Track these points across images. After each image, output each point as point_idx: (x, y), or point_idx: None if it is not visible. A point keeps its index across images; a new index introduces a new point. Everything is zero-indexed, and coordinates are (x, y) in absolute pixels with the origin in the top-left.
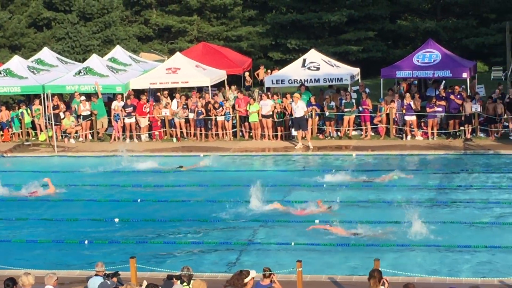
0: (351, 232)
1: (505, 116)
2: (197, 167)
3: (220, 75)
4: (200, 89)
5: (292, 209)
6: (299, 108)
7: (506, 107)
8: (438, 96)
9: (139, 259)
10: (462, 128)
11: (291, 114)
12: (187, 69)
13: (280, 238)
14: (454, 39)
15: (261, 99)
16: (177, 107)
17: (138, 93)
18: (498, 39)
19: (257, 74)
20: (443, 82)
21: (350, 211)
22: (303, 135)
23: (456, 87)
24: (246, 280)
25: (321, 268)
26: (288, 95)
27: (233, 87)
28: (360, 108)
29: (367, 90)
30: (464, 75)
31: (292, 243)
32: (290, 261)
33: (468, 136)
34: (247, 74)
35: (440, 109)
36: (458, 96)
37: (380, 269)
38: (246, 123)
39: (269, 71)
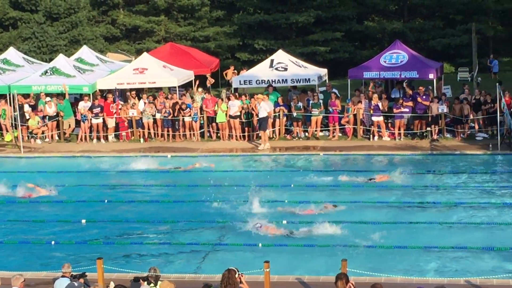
0: (280, 232)
1: (471, 117)
2: (194, 168)
3: (188, 75)
4: (174, 89)
5: (298, 209)
6: (262, 109)
7: (473, 108)
8: (405, 97)
9: (106, 260)
10: (428, 128)
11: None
12: (154, 70)
13: (247, 239)
14: (421, 40)
15: (229, 99)
16: (143, 107)
17: (105, 93)
18: (464, 40)
19: (225, 74)
20: (405, 80)
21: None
22: (262, 136)
23: (421, 87)
24: (236, 276)
25: (289, 269)
26: (256, 96)
27: (200, 89)
28: (330, 109)
29: (335, 90)
30: (431, 76)
31: (260, 244)
32: (258, 261)
33: (435, 136)
34: (208, 75)
35: (407, 110)
36: (424, 97)
37: (347, 269)
38: (214, 124)
39: (235, 71)
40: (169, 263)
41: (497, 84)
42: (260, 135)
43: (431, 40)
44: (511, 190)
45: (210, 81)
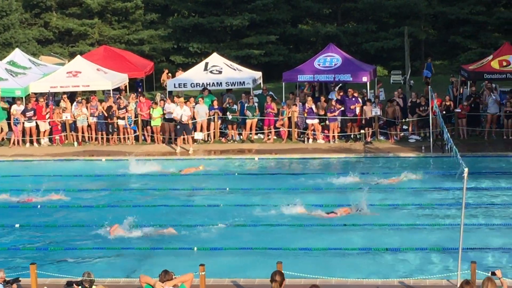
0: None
1: (406, 120)
2: (196, 171)
3: (122, 78)
4: (108, 92)
5: (320, 212)
6: (185, 112)
7: (409, 111)
8: (338, 100)
9: (39, 265)
10: (362, 131)
11: (193, 118)
12: (88, 73)
13: (182, 243)
14: (354, 43)
15: (164, 103)
16: (74, 109)
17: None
18: (397, 44)
19: (163, 80)
20: (339, 85)
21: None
22: (186, 140)
23: (350, 90)
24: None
25: (224, 272)
26: (191, 99)
27: (133, 95)
28: (267, 110)
29: (271, 93)
30: (364, 79)
31: (195, 248)
32: (193, 265)
33: (369, 139)
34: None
35: (340, 112)
36: (353, 99)
37: (282, 271)
38: (148, 127)
39: (170, 74)
40: (103, 267)
41: (429, 86)
42: (196, 137)
43: (364, 43)
44: (442, 192)
45: (168, 76)
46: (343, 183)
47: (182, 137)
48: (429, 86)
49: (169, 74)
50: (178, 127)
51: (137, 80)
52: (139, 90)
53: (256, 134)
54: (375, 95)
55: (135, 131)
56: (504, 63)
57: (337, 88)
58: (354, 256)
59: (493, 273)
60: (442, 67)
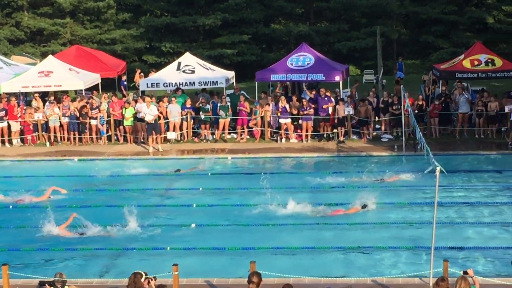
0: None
1: (377, 119)
2: (195, 171)
3: (94, 78)
4: (80, 92)
5: (327, 209)
6: (152, 111)
7: (381, 110)
8: (311, 99)
9: (11, 266)
10: (335, 130)
11: (166, 118)
12: (60, 73)
13: (156, 242)
14: (327, 43)
15: (136, 102)
16: (47, 110)
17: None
18: (369, 43)
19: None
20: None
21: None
22: (155, 139)
23: (322, 89)
24: (142, 280)
25: (197, 272)
26: (165, 98)
27: (105, 95)
28: (240, 108)
29: (244, 92)
30: (337, 78)
31: (168, 248)
32: (166, 265)
33: (341, 138)
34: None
35: (312, 111)
36: (326, 99)
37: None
38: (121, 127)
39: (142, 74)
40: (76, 268)
41: (401, 86)
42: (169, 137)
43: (336, 42)
44: (415, 190)
45: (141, 76)
46: (318, 182)
47: (152, 136)
48: (401, 86)
49: (142, 74)
50: (147, 126)
51: (122, 80)
52: (123, 89)
53: (229, 133)
54: (352, 95)
55: (107, 131)
56: (476, 62)
57: (306, 88)
58: (328, 254)
59: (465, 272)
60: (414, 67)
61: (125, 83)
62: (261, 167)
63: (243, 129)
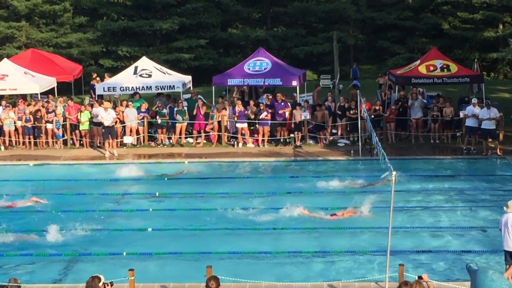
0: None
1: (335, 124)
2: (180, 175)
3: (50, 82)
4: (36, 96)
5: (323, 215)
6: (109, 115)
7: (339, 115)
8: (268, 104)
9: None
10: (292, 135)
11: (122, 122)
12: (15, 76)
13: (112, 247)
14: (284, 47)
15: (92, 107)
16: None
17: None
18: (326, 48)
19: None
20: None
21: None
22: (111, 144)
23: (279, 94)
24: (100, 284)
25: (154, 277)
26: (123, 102)
27: (61, 99)
28: (198, 112)
29: (201, 97)
30: (294, 83)
31: (124, 253)
32: (122, 270)
33: (298, 143)
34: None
35: (268, 116)
36: (283, 103)
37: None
38: (77, 131)
39: (98, 78)
40: (31, 273)
41: (358, 91)
42: (125, 141)
43: (293, 47)
44: (371, 195)
45: (97, 80)
46: (275, 186)
47: (108, 140)
48: (358, 91)
49: (98, 78)
50: (103, 131)
51: (91, 84)
52: (92, 93)
53: (186, 138)
54: (314, 99)
55: (63, 135)
56: (431, 68)
57: (262, 93)
58: (284, 259)
59: (420, 277)
60: (371, 72)
61: (95, 86)
62: (218, 172)
63: (200, 133)
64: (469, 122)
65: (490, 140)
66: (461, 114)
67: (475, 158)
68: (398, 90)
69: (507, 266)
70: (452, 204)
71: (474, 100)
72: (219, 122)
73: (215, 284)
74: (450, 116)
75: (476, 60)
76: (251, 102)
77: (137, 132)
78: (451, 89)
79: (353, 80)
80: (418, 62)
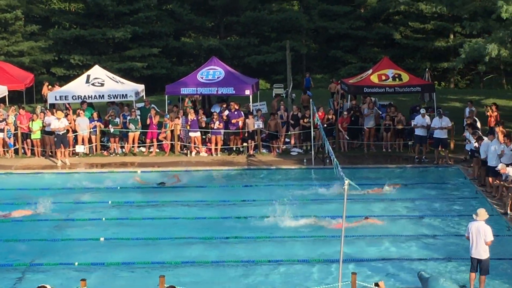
0: None
1: (289, 132)
2: (177, 184)
3: (1, 90)
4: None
5: (326, 222)
6: (62, 124)
7: (292, 124)
8: (220, 113)
9: None
10: (245, 144)
11: (74, 131)
12: None
13: (63, 258)
14: (237, 56)
15: (44, 115)
16: None
17: None
18: (278, 57)
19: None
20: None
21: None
22: (63, 153)
23: (232, 103)
24: None
25: (106, 287)
26: (78, 111)
27: (12, 107)
28: (151, 121)
29: (154, 106)
30: (247, 92)
31: (76, 263)
32: (74, 280)
33: (251, 152)
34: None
35: (222, 125)
36: (236, 113)
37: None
38: (29, 140)
39: (50, 86)
40: None
41: (311, 100)
42: (78, 150)
43: (246, 56)
44: (323, 203)
45: (49, 89)
46: (228, 195)
47: (61, 149)
48: (310, 99)
49: (50, 86)
50: (55, 139)
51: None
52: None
53: (139, 147)
54: (273, 108)
55: (14, 144)
56: (383, 77)
57: (215, 102)
58: (237, 268)
59: (377, 284)
60: (323, 81)
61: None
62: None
63: (152, 142)
64: (419, 132)
65: (441, 149)
66: (412, 123)
67: (426, 166)
68: (350, 99)
69: (472, 273)
70: (403, 212)
71: (423, 111)
72: (172, 131)
73: None
74: (401, 125)
75: (427, 69)
76: (201, 111)
77: (90, 141)
78: (403, 98)
79: (306, 89)
80: (370, 71)
